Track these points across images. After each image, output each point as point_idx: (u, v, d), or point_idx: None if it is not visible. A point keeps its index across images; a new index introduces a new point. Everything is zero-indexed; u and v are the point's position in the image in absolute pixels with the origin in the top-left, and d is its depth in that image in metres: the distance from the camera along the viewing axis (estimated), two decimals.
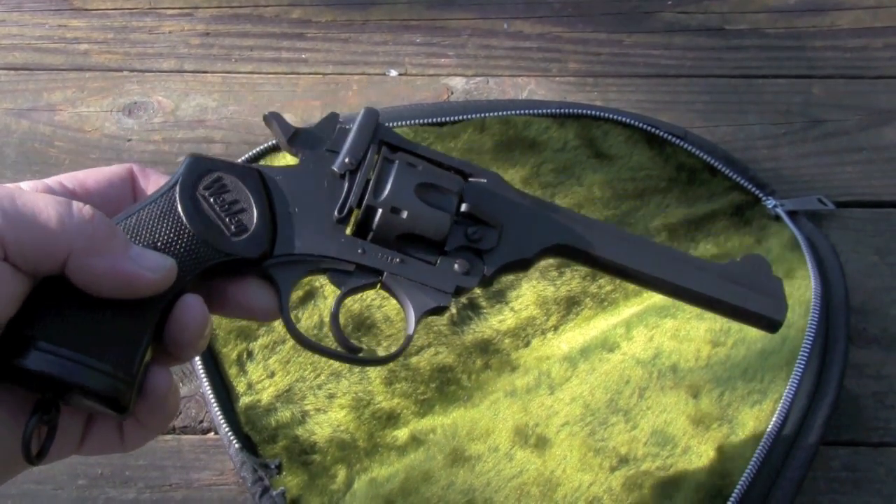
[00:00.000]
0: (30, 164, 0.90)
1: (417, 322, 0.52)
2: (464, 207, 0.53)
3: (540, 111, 0.86)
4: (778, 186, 0.85)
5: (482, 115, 0.86)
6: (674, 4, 1.01)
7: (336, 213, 0.52)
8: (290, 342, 0.75)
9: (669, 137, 0.85)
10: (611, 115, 0.86)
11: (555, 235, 0.56)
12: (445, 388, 0.75)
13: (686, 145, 0.84)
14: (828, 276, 0.76)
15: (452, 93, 0.95)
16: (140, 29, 1.00)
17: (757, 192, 0.82)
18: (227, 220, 0.49)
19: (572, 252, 0.56)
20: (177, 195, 0.48)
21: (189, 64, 0.97)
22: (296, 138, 0.54)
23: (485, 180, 0.56)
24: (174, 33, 1.00)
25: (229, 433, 0.71)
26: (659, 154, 0.85)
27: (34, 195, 0.43)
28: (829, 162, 0.89)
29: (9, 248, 0.40)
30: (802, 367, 0.70)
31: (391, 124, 0.85)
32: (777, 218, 0.81)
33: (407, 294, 0.53)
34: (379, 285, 0.53)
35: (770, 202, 0.81)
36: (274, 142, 0.85)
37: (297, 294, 0.77)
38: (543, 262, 0.79)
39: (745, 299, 0.57)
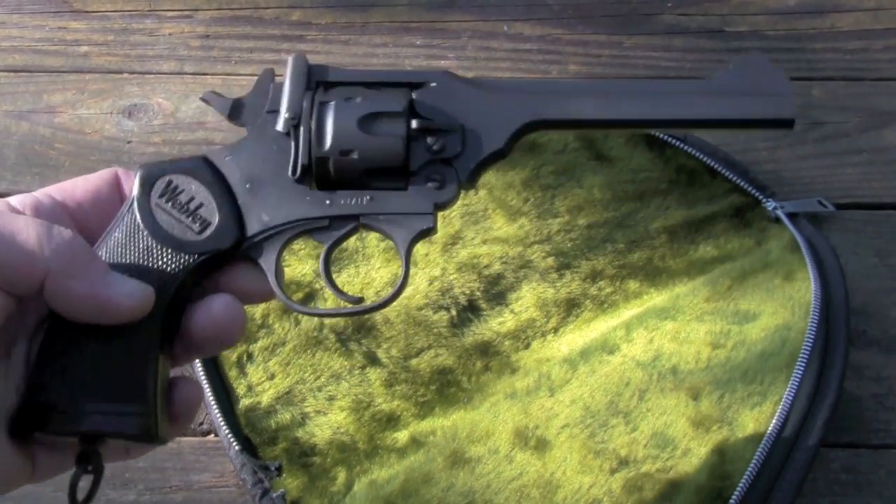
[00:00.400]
0: (30, 165, 0.90)
1: (408, 252, 0.51)
2: (415, 124, 0.51)
3: None
4: (778, 188, 0.85)
5: None
6: (674, 6, 1.01)
7: (290, 174, 0.50)
8: (290, 344, 0.75)
9: (669, 139, 0.85)
10: None
11: (520, 115, 0.52)
12: (445, 390, 0.75)
13: (686, 147, 0.84)
14: (828, 278, 0.76)
15: None
16: (140, 31, 1.00)
17: (757, 194, 0.82)
18: (188, 220, 0.49)
19: (547, 124, 0.53)
20: (136, 211, 0.48)
21: (189, 66, 0.97)
22: (237, 111, 0.52)
23: (434, 83, 0.53)
24: (174, 35, 1.00)
25: (229, 435, 0.71)
26: (659, 156, 0.85)
27: (14, 216, 0.43)
28: (830, 164, 0.89)
29: None
30: (802, 368, 0.70)
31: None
32: (777, 220, 0.81)
33: (388, 228, 0.51)
34: (361, 229, 0.51)
35: (770, 204, 0.81)
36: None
37: (297, 296, 0.77)
38: (543, 265, 0.79)
39: (745, 109, 0.53)
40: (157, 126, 0.93)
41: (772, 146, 0.90)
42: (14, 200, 0.47)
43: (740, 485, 0.66)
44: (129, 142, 0.92)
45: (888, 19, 0.99)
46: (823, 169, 0.89)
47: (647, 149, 0.85)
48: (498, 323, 0.77)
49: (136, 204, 0.48)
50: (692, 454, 0.68)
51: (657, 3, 1.01)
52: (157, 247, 0.47)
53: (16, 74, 0.97)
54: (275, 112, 0.52)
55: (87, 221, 0.49)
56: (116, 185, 0.51)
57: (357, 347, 0.75)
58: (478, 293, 0.78)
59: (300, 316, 0.76)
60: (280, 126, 0.51)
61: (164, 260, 0.47)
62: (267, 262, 0.50)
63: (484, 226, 0.81)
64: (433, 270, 0.79)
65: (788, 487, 0.66)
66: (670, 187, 0.84)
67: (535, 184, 0.83)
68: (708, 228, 0.82)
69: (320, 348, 0.75)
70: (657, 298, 0.78)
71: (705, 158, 0.84)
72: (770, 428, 0.68)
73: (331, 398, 0.74)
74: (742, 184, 0.83)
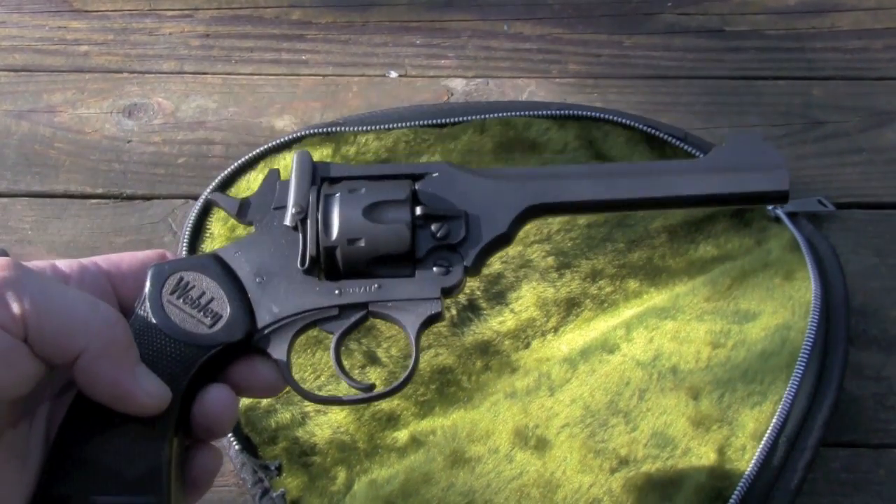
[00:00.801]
0: (30, 165, 0.90)
1: (417, 338, 0.52)
2: (419, 210, 0.52)
3: (540, 112, 0.86)
4: None
5: (482, 116, 0.86)
6: (674, 6, 1.01)
7: (299, 265, 0.51)
8: None
9: (669, 139, 0.85)
10: (611, 117, 0.86)
11: (522, 200, 0.54)
12: (445, 389, 0.75)
13: (686, 146, 0.84)
14: (828, 278, 0.76)
15: (452, 94, 0.95)
16: (140, 30, 1.00)
17: None
18: (200, 314, 0.50)
19: (548, 208, 0.54)
20: (148, 309, 0.49)
21: (189, 65, 0.97)
22: (244, 209, 0.54)
23: (436, 174, 0.54)
24: (174, 35, 1.00)
25: (229, 434, 0.71)
26: (659, 155, 0.85)
27: (64, 287, 0.45)
28: (829, 163, 0.89)
29: (30, 332, 0.42)
30: (802, 368, 0.70)
31: (391, 126, 0.85)
32: (777, 219, 0.81)
33: (397, 315, 0.52)
34: (370, 317, 0.52)
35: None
36: (276, 142, 0.85)
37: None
38: (543, 264, 0.79)
39: (740, 184, 0.54)
40: (157, 125, 0.93)
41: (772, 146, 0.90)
42: (61, 264, 0.48)
43: (740, 484, 0.66)
44: (129, 141, 0.92)
45: (888, 19, 0.99)
46: (823, 168, 0.89)
47: (647, 148, 0.85)
48: (498, 322, 0.77)
49: (147, 301, 0.49)
50: (692, 454, 0.68)
51: (657, 3, 1.01)
52: (169, 341, 0.48)
53: (16, 74, 0.97)
54: (282, 208, 0.53)
55: (129, 294, 0.50)
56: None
57: (357, 347, 0.75)
58: (477, 292, 0.78)
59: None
60: (288, 220, 0.52)
61: (177, 354, 0.48)
62: (278, 353, 0.51)
63: None
64: None
65: (788, 487, 0.66)
66: None
67: None
68: (708, 228, 0.82)
69: (320, 348, 0.75)
70: (657, 298, 0.78)
71: None
72: (770, 427, 0.68)
73: None
74: None
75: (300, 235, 0.52)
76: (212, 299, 0.50)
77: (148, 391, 0.45)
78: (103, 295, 0.49)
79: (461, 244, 0.53)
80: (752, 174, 0.55)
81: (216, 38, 0.99)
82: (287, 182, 0.54)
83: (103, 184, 0.89)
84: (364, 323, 0.53)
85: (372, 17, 1.01)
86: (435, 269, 0.52)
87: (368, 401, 0.54)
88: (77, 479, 0.45)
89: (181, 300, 0.50)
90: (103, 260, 0.50)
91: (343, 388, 0.74)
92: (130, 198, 0.88)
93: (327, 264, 0.52)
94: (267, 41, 0.99)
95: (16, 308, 0.41)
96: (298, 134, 0.85)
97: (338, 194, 0.52)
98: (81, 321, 0.43)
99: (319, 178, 0.54)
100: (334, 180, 0.54)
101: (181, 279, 0.50)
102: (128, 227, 0.86)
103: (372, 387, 0.53)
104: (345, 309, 0.52)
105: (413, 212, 0.52)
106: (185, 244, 0.80)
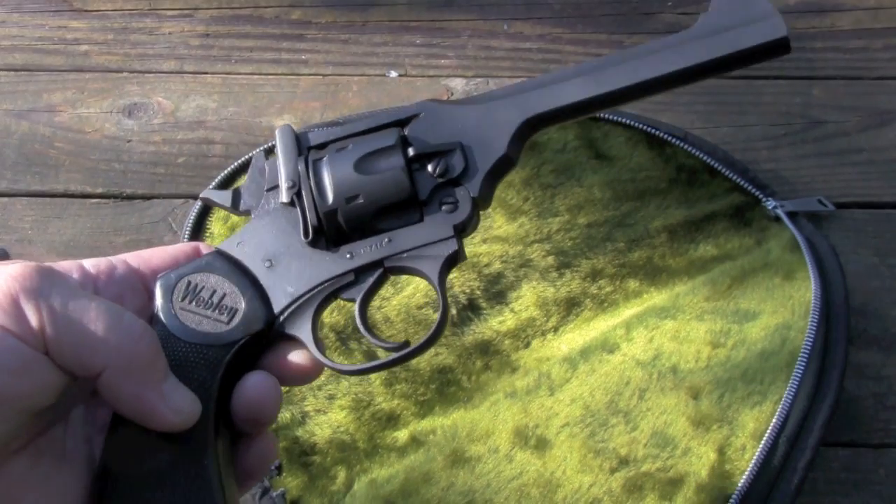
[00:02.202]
0: (30, 165, 0.90)
1: (441, 282, 0.50)
2: (411, 152, 0.51)
3: None
4: (778, 187, 0.85)
5: None
6: (674, 5, 1.01)
7: (303, 237, 0.50)
8: None
9: (670, 138, 0.85)
10: (611, 116, 0.86)
11: (515, 117, 0.52)
12: (445, 389, 0.75)
13: (686, 146, 0.84)
14: (828, 278, 0.76)
15: (452, 94, 0.95)
16: (140, 30, 1.00)
17: (757, 193, 0.82)
18: (215, 313, 0.48)
19: (543, 118, 0.52)
20: (164, 321, 0.48)
21: (189, 65, 0.97)
22: (237, 199, 0.52)
23: (422, 114, 0.52)
24: (174, 34, 1.00)
25: None
26: (659, 155, 0.85)
27: (86, 301, 0.42)
28: (830, 163, 0.89)
29: (50, 346, 0.41)
30: (802, 368, 0.70)
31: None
32: (777, 219, 0.81)
33: (416, 265, 0.50)
34: (388, 274, 0.51)
35: (770, 203, 0.81)
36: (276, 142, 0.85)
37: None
38: (543, 264, 0.79)
39: (733, 43, 0.52)
40: (157, 125, 0.93)
41: (772, 145, 0.90)
42: (89, 264, 0.47)
43: (740, 484, 0.66)
44: (129, 141, 0.92)
45: (888, 19, 0.99)
46: (823, 168, 0.89)
47: (647, 148, 0.85)
48: (498, 322, 0.77)
49: (160, 314, 0.48)
50: (692, 453, 0.68)
51: (657, 2, 1.01)
52: (191, 348, 0.47)
53: (16, 73, 0.97)
54: (275, 188, 0.52)
55: None
56: (196, 258, 0.51)
57: (357, 346, 0.75)
58: (478, 292, 0.78)
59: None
60: (283, 197, 0.51)
61: (201, 358, 0.47)
62: (303, 333, 0.49)
63: (484, 225, 0.81)
64: None
65: (788, 487, 0.66)
66: (670, 186, 0.84)
67: (535, 183, 0.83)
68: (708, 227, 0.82)
69: None
70: (657, 297, 0.78)
71: (705, 157, 0.84)
72: (770, 427, 0.67)
73: (331, 397, 0.74)
74: (742, 183, 0.83)
75: (298, 209, 0.50)
76: (224, 295, 0.49)
77: (174, 407, 0.44)
78: (134, 294, 0.48)
79: (463, 176, 0.51)
80: (744, 29, 0.52)
81: (216, 38, 0.99)
82: (274, 161, 0.52)
83: (103, 183, 0.89)
84: (385, 282, 0.51)
85: (372, 16, 1.01)
86: (442, 208, 0.51)
87: (405, 359, 0.52)
88: (116, 491, 0.44)
89: (193, 303, 0.48)
90: (133, 257, 0.49)
91: (342, 388, 0.74)
92: (130, 197, 0.88)
93: (331, 230, 0.50)
94: (267, 41, 0.99)
95: (34, 321, 0.40)
96: None
97: (325, 157, 0.51)
98: (102, 337, 0.41)
99: (306, 148, 0.52)
100: (321, 146, 0.52)
101: (189, 283, 0.49)
102: (128, 227, 0.86)
103: (405, 345, 0.51)
104: (361, 272, 0.50)
105: (406, 154, 0.51)
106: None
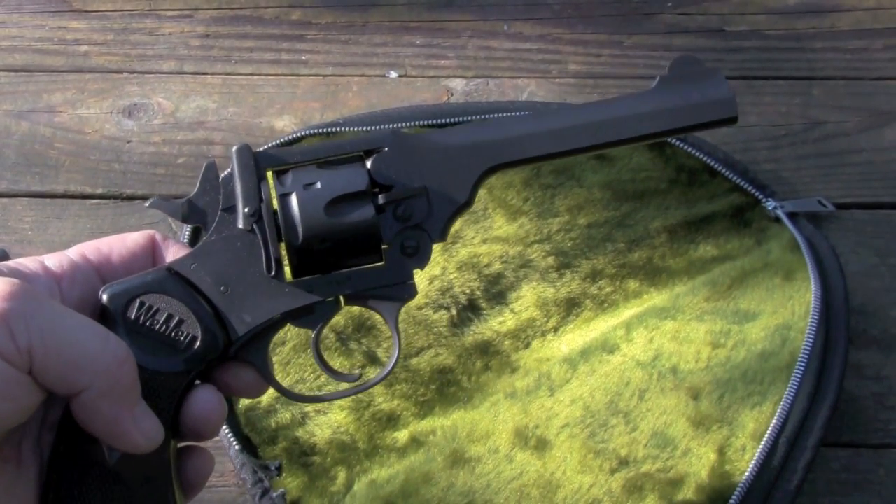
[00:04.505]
0: (30, 165, 0.90)
1: (395, 323, 0.52)
2: (381, 199, 0.51)
3: None
4: (778, 188, 0.85)
5: (482, 116, 0.86)
6: (674, 6, 1.01)
7: (265, 271, 0.50)
8: (290, 343, 0.75)
9: (670, 139, 0.85)
10: None
11: (477, 165, 0.53)
12: (445, 389, 0.75)
13: (686, 147, 0.84)
14: (828, 278, 0.76)
15: (452, 94, 0.95)
16: (140, 30, 1.00)
17: (757, 193, 0.82)
18: (172, 338, 0.47)
19: (504, 166, 0.54)
20: None
21: (189, 65, 0.97)
22: (190, 213, 0.51)
23: (386, 148, 0.52)
24: (174, 35, 1.00)
25: (229, 434, 0.71)
26: (659, 155, 0.85)
27: (75, 320, 0.42)
28: (829, 163, 0.89)
29: (35, 365, 0.40)
30: (802, 368, 0.70)
31: (392, 126, 0.85)
32: (777, 219, 0.81)
33: (373, 303, 0.51)
34: (344, 307, 0.52)
35: (770, 204, 0.81)
36: (276, 142, 0.85)
37: None
38: (544, 264, 0.79)
39: (689, 116, 0.55)
40: (157, 126, 0.93)
41: (772, 146, 0.90)
42: (51, 262, 0.46)
43: (740, 485, 0.66)
44: (129, 141, 0.92)
45: (888, 19, 0.99)
46: (823, 168, 0.89)
47: (647, 148, 0.85)
48: (498, 322, 0.77)
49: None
50: (692, 454, 0.68)
51: (657, 3, 1.01)
52: (148, 375, 0.46)
53: (16, 74, 0.97)
54: (230, 209, 0.51)
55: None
56: (152, 251, 0.51)
57: (357, 347, 0.75)
58: (478, 292, 0.78)
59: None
60: (241, 223, 0.50)
61: (159, 386, 0.46)
62: (258, 358, 0.50)
63: (484, 225, 0.81)
64: (433, 269, 0.78)
65: (788, 487, 0.66)
66: (670, 187, 0.84)
67: (535, 183, 0.83)
68: (708, 228, 0.82)
69: (320, 348, 0.75)
70: (657, 298, 0.78)
71: (705, 158, 0.84)
72: (770, 428, 0.68)
73: None
74: (742, 183, 0.83)
75: (259, 238, 0.50)
76: (181, 321, 0.47)
77: (144, 432, 0.44)
78: (94, 294, 0.47)
79: (425, 220, 0.52)
80: (700, 103, 0.55)
81: (216, 39, 0.99)
82: (229, 178, 0.51)
83: (103, 184, 0.89)
84: (338, 313, 0.52)
85: (372, 17, 1.01)
86: (403, 251, 0.51)
87: (352, 394, 0.54)
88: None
89: (148, 323, 0.47)
90: (93, 251, 0.48)
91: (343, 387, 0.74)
92: (130, 198, 0.88)
93: (295, 265, 0.50)
94: (267, 41, 0.99)
95: (23, 340, 0.40)
96: (298, 134, 0.85)
97: (293, 193, 0.50)
98: (90, 357, 0.41)
99: (264, 171, 0.51)
100: (280, 171, 0.51)
101: (142, 304, 0.47)
102: (128, 228, 0.86)
103: (359, 377, 0.53)
104: (319, 304, 0.50)
105: (376, 200, 0.51)
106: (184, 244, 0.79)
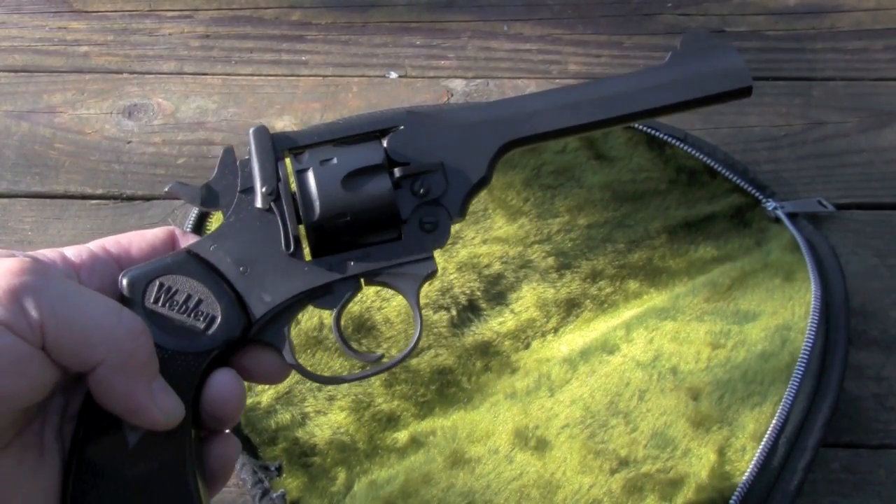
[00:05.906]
0: (30, 165, 0.90)
1: (417, 300, 0.51)
2: (398, 172, 0.51)
3: None
4: (778, 188, 0.85)
5: None
6: (674, 6, 1.01)
7: (284, 249, 0.50)
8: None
9: (670, 139, 0.85)
10: None
11: (494, 141, 0.53)
12: (445, 390, 0.75)
13: (686, 147, 0.84)
14: (828, 278, 0.76)
15: (452, 95, 0.95)
16: (140, 31, 1.00)
17: (757, 193, 0.82)
18: (192, 318, 0.47)
19: (519, 142, 0.54)
20: None
21: (189, 66, 0.97)
22: (208, 197, 0.51)
23: (402, 126, 0.52)
24: (174, 35, 1.00)
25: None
26: (659, 156, 0.85)
27: (87, 295, 0.42)
28: (829, 164, 0.89)
29: (48, 340, 0.40)
30: (802, 369, 0.70)
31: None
32: (777, 220, 0.81)
33: (392, 281, 0.51)
34: (363, 287, 0.51)
35: (770, 204, 0.81)
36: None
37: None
38: (544, 265, 0.79)
39: (702, 87, 0.54)
40: (157, 126, 0.93)
41: (772, 146, 0.90)
42: (70, 253, 0.46)
43: (740, 485, 0.66)
44: (129, 142, 0.92)
45: (888, 19, 0.99)
46: (823, 169, 0.89)
47: (647, 149, 0.85)
48: (498, 323, 0.77)
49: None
50: (692, 454, 0.68)
51: (657, 3, 1.01)
52: (167, 355, 0.46)
53: (16, 74, 0.97)
54: (249, 190, 0.51)
55: None
56: (172, 245, 0.51)
57: (357, 347, 0.75)
58: (478, 293, 0.78)
59: (300, 315, 0.76)
60: (259, 203, 0.50)
61: (178, 366, 0.46)
62: (278, 339, 0.49)
63: (484, 225, 0.81)
64: None
65: (788, 488, 0.66)
66: (670, 187, 0.84)
67: (536, 183, 0.83)
68: (708, 228, 0.82)
69: (320, 348, 0.75)
70: (657, 298, 0.78)
71: (705, 158, 0.84)
72: (770, 428, 0.67)
73: (331, 398, 0.74)
74: (742, 184, 0.83)
75: (277, 217, 0.50)
76: (200, 301, 0.48)
77: (163, 409, 0.44)
78: (114, 284, 0.47)
79: (443, 196, 0.52)
80: (714, 74, 0.55)
81: (216, 39, 0.99)
82: (248, 161, 0.51)
83: (103, 184, 0.89)
84: (359, 292, 0.52)
85: (372, 17, 1.01)
86: (422, 226, 0.51)
87: (376, 373, 0.53)
88: (99, 490, 0.44)
89: (167, 306, 0.47)
90: (113, 244, 0.49)
91: (342, 389, 0.74)
92: (130, 198, 0.88)
93: (312, 243, 0.50)
94: (267, 42, 0.99)
95: (34, 315, 0.39)
96: None
97: (310, 169, 0.50)
98: (103, 331, 0.41)
99: (282, 151, 0.51)
100: (298, 150, 0.51)
101: (162, 285, 0.47)
102: (128, 228, 0.86)
103: (380, 357, 0.52)
104: (338, 283, 0.50)
105: (392, 174, 0.51)
106: None
